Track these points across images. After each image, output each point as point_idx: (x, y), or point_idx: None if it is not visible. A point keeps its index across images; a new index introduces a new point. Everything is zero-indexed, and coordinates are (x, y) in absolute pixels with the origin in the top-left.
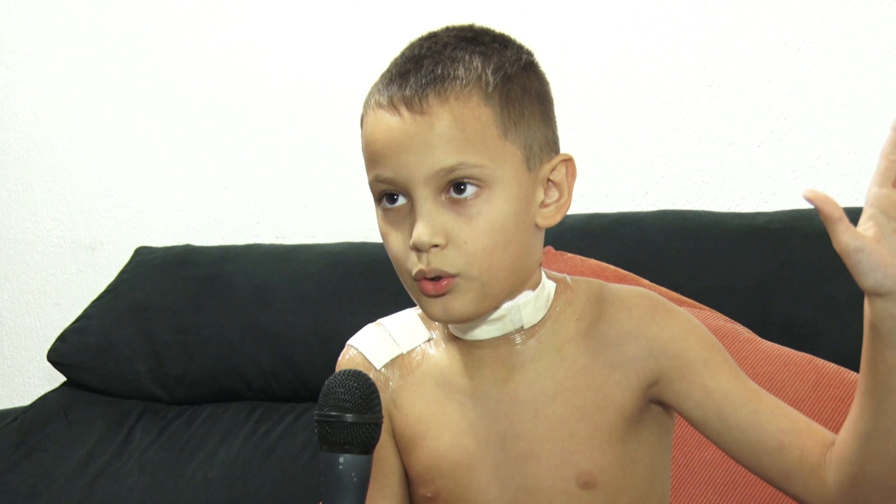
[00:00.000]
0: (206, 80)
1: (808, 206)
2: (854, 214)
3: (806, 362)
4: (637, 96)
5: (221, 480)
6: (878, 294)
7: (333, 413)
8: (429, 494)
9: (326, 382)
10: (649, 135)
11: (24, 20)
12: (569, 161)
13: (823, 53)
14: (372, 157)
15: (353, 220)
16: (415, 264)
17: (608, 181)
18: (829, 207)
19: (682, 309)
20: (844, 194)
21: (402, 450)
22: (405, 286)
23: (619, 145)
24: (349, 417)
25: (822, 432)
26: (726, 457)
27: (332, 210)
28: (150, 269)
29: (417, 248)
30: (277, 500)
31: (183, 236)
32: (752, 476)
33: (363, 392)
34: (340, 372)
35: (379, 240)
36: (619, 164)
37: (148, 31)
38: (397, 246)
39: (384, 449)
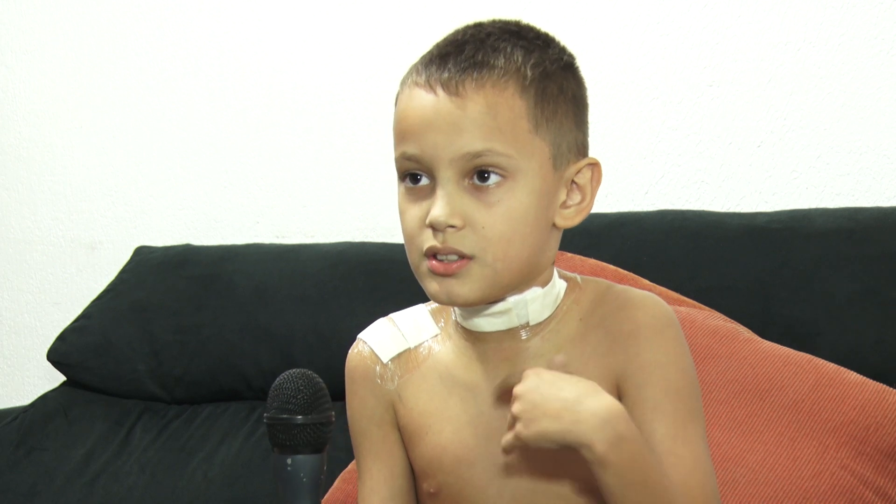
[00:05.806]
0: (206, 80)
1: (807, 205)
2: (855, 214)
3: (806, 362)
4: (637, 96)
5: (221, 480)
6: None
7: (283, 416)
8: (431, 490)
9: (273, 384)
10: (649, 135)
11: (24, 20)
12: (595, 166)
13: (823, 53)
14: (401, 133)
15: (353, 220)
16: (428, 240)
17: (608, 181)
18: None
19: (681, 336)
20: (844, 194)
21: (406, 443)
22: (412, 266)
23: (619, 145)
24: (298, 419)
25: None
26: (726, 457)
27: (332, 210)
28: (150, 269)
29: (434, 227)
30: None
31: (183, 236)
32: (752, 476)
33: (309, 392)
34: (287, 373)
35: (379, 239)
36: (619, 164)
37: (148, 31)
38: (412, 221)
39: (389, 443)
